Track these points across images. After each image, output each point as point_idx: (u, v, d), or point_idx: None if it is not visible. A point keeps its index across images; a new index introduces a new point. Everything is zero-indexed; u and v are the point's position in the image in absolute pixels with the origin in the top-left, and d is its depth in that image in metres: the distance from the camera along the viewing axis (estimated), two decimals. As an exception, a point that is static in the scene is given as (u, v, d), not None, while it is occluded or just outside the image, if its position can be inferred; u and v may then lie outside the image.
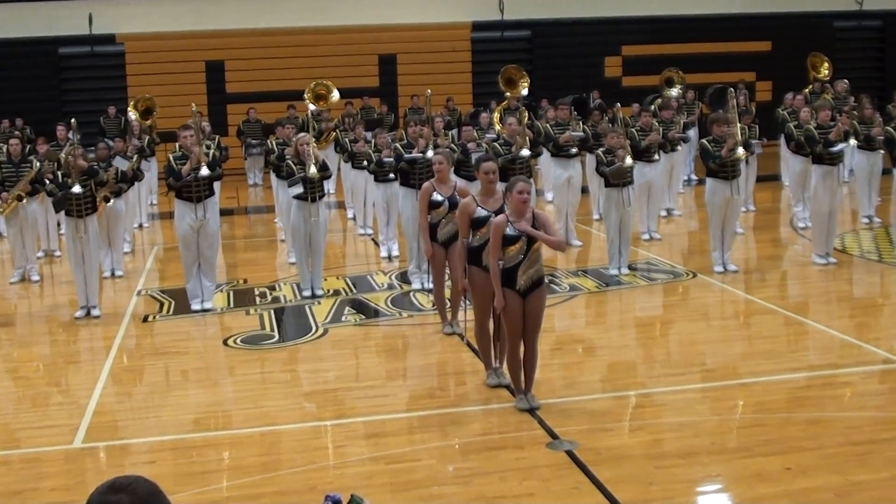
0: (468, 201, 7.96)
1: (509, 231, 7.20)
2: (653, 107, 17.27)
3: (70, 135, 11.32)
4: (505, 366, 7.86)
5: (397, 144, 12.16)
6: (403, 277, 12.22)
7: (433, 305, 10.50)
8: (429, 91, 12.74)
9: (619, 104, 12.94)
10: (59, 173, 11.26)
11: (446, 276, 9.71)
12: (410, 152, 11.81)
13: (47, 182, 12.09)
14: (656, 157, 14.02)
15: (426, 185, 9.55)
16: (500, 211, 7.69)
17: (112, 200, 12.82)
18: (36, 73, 23.52)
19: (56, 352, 9.99)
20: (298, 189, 11.23)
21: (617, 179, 11.91)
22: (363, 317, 10.69)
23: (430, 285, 10.78)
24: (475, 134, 13.97)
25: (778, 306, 10.43)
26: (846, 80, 19.83)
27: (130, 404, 8.23)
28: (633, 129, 13.83)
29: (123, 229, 13.84)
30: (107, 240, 13.07)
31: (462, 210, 7.94)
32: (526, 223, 7.20)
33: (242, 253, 15.16)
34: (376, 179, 13.34)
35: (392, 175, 12.96)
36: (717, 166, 11.67)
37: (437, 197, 9.39)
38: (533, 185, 7.55)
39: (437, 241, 9.42)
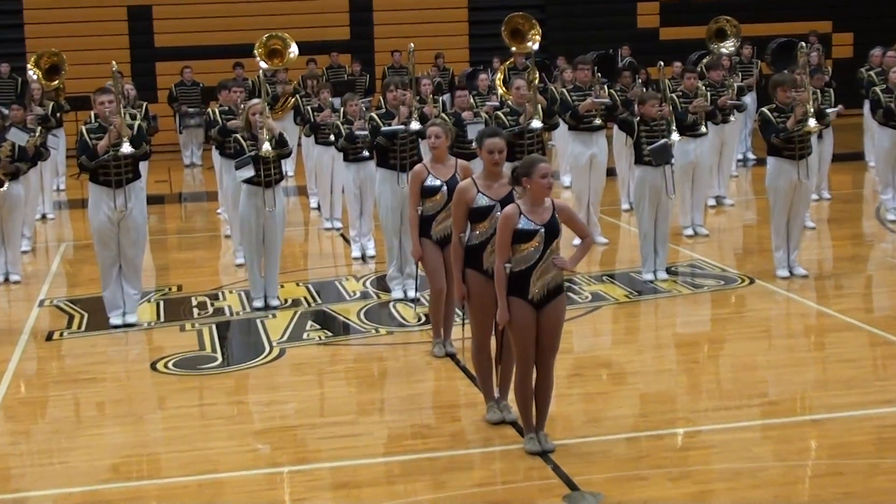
0: (466, 186, 7.90)
1: (523, 224, 7.18)
2: (699, 66, 17.27)
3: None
4: (511, 397, 7.83)
5: (373, 114, 12.14)
6: (381, 284, 12.20)
7: (419, 320, 10.46)
8: (412, 45, 12.71)
9: (661, 63, 12.83)
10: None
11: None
12: (389, 124, 11.79)
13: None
14: (703, 129, 14.00)
15: (418, 167, 9.49)
16: (507, 200, 7.65)
17: (6, 184, 12.76)
18: None
19: (-65, 379, 9.94)
20: (248, 171, 11.20)
21: (660, 161, 11.85)
22: (330, 334, 10.67)
23: (416, 294, 10.77)
24: (472, 101, 13.93)
25: (860, 321, 10.43)
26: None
27: (29, 447, 8.17)
28: (675, 96, 13.76)
29: (21, 222, 13.77)
30: (0, 235, 13.02)
31: (459, 196, 7.88)
32: (546, 212, 7.18)
33: (176, 252, 15.12)
34: (346, 158, 13.32)
35: (366, 153, 12.93)
36: (781, 142, 11.66)
37: (433, 182, 9.32)
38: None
39: (430, 238, 9.37)
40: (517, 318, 7.25)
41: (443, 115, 13.17)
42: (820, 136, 14.40)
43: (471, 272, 7.85)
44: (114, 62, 11.67)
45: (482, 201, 7.79)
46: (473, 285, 7.83)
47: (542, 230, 7.19)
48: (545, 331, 7.30)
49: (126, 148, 10.55)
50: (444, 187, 9.27)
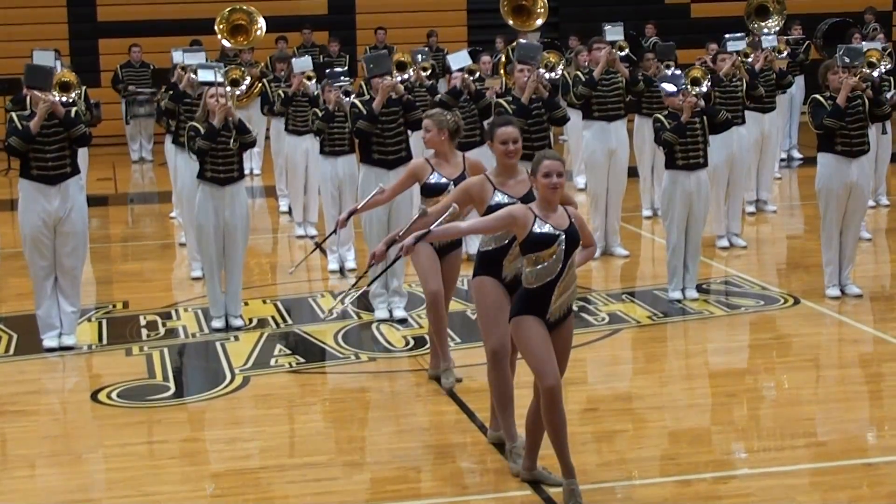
0: (480, 182, 7.89)
1: (540, 227, 7.20)
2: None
3: None
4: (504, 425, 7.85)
5: (356, 100, 12.14)
6: (363, 301, 12.19)
7: (407, 344, 10.46)
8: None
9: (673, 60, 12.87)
10: None
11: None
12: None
13: None
14: (739, 120, 14.00)
15: (419, 161, 9.47)
16: (527, 198, 7.66)
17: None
18: None
19: None
20: (208, 74, 11.23)
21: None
22: (302, 360, 10.68)
23: (380, 307, 10.76)
24: (472, 85, 13.94)
25: (923, 348, 10.49)
26: None
27: (-51, 490, 8.18)
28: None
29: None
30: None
31: (469, 192, 7.84)
32: (562, 219, 7.19)
33: (121, 263, 15.11)
34: (322, 152, 13.30)
35: (347, 146, 12.93)
36: (835, 122, 11.49)
37: (438, 179, 9.32)
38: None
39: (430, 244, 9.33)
40: (538, 342, 7.21)
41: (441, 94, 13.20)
42: (884, 130, 14.46)
43: (487, 280, 7.87)
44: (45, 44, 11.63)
45: (500, 199, 7.79)
46: (489, 297, 7.84)
47: (563, 236, 7.20)
48: (556, 354, 7.32)
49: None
50: (451, 186, 9.23)
